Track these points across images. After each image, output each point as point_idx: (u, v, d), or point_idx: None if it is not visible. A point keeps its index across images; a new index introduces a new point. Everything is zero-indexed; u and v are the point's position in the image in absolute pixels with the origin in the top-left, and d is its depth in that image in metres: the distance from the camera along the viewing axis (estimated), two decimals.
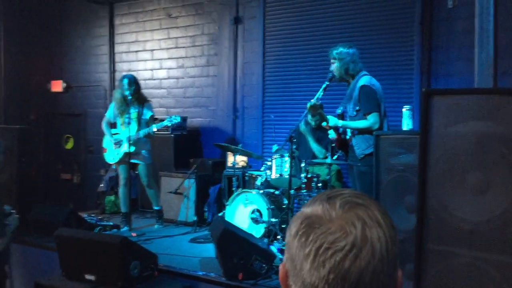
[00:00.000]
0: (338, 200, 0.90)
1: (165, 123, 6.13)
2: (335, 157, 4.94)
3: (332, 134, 4.94)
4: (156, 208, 6.43)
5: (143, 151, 6.17)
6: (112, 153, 6.22)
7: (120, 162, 6.16)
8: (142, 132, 6.03)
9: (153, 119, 6.28)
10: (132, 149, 6.00)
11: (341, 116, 4.85)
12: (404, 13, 5.98)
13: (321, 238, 0.85)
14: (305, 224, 0.88)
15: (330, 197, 0.91)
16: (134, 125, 6.06)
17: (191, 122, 7.61)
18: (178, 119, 6.19)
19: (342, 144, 4.92)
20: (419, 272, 2.44)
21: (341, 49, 4.70)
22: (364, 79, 4.63)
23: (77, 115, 8.88)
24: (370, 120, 4.53)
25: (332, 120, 4.66)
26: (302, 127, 5.85)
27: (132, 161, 6.10)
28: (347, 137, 4.88)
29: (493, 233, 2.22)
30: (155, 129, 6.07)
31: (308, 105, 4.62)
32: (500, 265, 2.21)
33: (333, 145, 4.98)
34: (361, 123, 4.59)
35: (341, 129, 4.90)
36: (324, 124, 4.80)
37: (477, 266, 2.26)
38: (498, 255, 2.21)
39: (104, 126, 6.28)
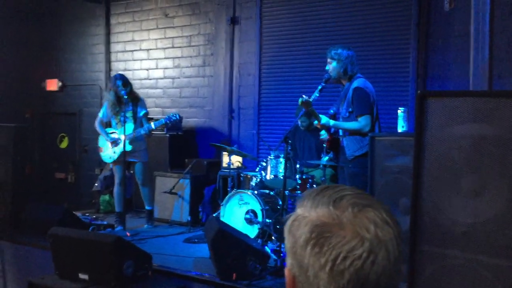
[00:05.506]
0: (344, 203, 0.89)
1: (164, 120, 6.10)
2: (326, 158, 4.95)
3: (324, 135, 4.96)
4: (147, 208, 6.43)
5: (140, 150, 6.18)
6: (109, 152, 6.21)
7: (117, 161, 6.15)
8: (139, 131, 6.02)
9: (147, 117, 6.28)
10: (130, 147, 6.01)
11: (333, 117, 4.88)
12: (401, 15, 5.99)
13: (337, 248, 0.85)
14: (316, 233, 0.87)
15: (335, 200, 0.90)
16: (130, 124, 6.06)
17: (187, 122, 7.60)
18: (177, 116, 6.15)
19: (333, 145, 4.94)
20: (413, 273, 2.44)
21: (340, 50, 4.73)
22: (359, 82, 4.67)
23: (72, 114, 8.85)
24: (362, 122, 4.57)
25: (324, 119, 4.69)
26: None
27: (129, 159, 6.11)
28: (339, 136, 4.91)
29: (487, 235, 2.23)
30: (153, 127, 6.06)
31: (300, 101, 4.64)
32: (493, 267, 2.21)
33: (325, 145, 5.00)
34: (352, 125, 4.62)
35: (332, 129, 4.93)
36: (315, 122, 4.83)
37: (471, 268, 2.26)
38: (492, 257, 2.22)
39: (98, 126, 6.26)
